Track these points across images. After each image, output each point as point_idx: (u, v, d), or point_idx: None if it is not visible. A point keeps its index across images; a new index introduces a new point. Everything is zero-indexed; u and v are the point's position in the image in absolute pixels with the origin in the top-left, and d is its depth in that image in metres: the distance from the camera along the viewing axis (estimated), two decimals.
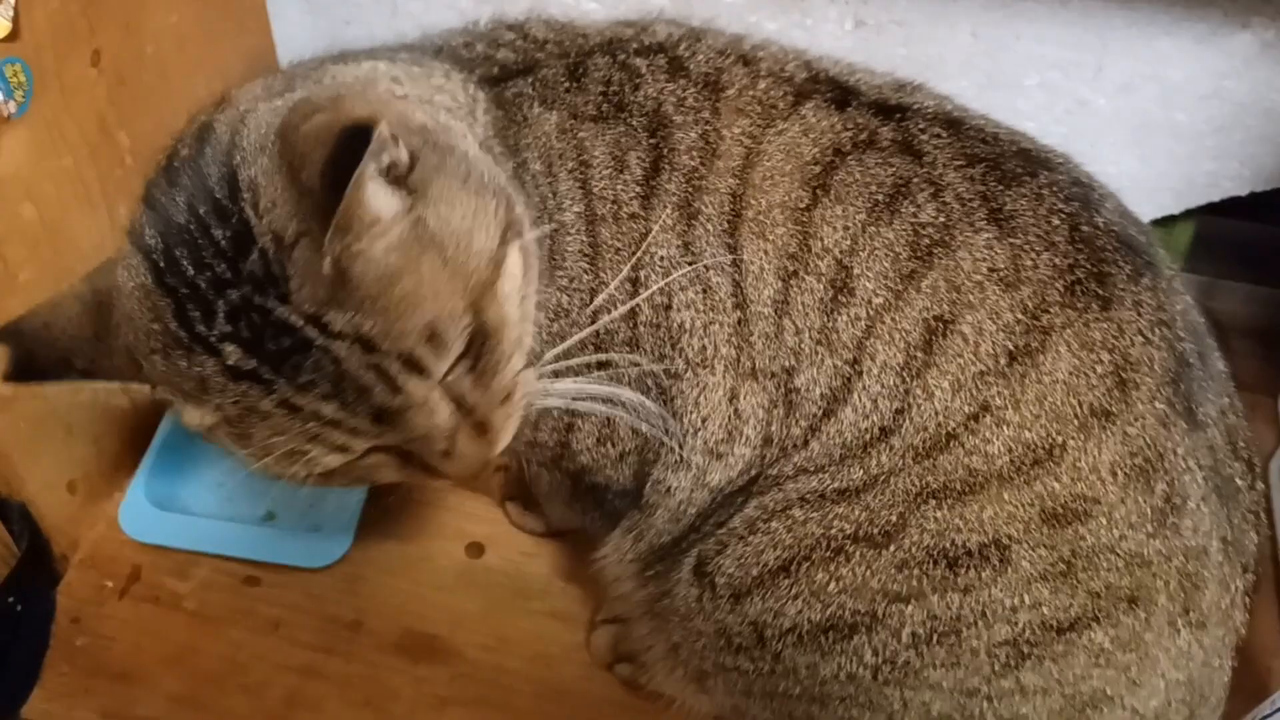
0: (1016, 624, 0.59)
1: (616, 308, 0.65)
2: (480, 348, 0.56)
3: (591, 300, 0.65)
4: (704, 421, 0.66)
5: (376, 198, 0.51)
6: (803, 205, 0.63)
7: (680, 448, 0.66)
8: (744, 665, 0.67)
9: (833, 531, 0.62)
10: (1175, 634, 0.61)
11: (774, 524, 0.64)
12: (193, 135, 0.58)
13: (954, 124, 0.65)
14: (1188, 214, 1.03)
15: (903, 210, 0.62)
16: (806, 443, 0.64)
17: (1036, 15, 0.92)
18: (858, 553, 0.61)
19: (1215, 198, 1.01)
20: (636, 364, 0.65)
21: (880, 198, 0.62)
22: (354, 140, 0.48)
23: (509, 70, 0.69)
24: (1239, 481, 0.64)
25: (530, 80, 0.67)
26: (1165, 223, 1.04)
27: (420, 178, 0.54)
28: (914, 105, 0.66)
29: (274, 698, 0.81)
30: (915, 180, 0.63)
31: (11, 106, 0.70)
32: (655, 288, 0.64)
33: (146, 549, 0.88)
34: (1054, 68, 0.95)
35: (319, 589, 0.87)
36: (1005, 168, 0.64)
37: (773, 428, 0.65)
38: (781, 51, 0.70)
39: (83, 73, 0.76)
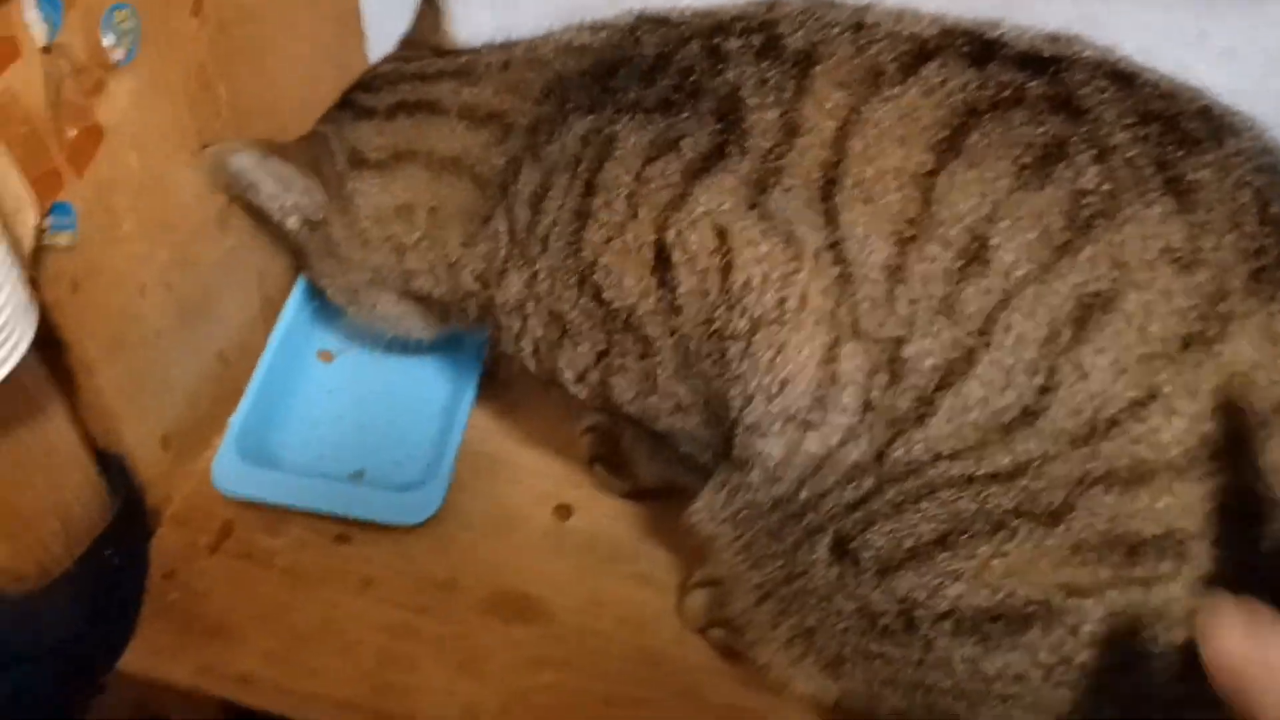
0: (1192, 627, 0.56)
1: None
2: None
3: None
4: (783, 385, 0.61)
5: None
6: (924, 170, 0.58)
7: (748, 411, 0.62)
8: (890, 652, 0.63)
9: (989, 506, 0.57)
10: None
11: (922, 504, 0.59)
12: None
13: (1123, 77, 0.59)
14: None
15: (1057, 175, 0.56)
16: (923, 419, 0.58)
17: None
18: (1023, 529, 0.56)
19: None
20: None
21: (1028, 160, 0.56)
22: None
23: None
24: None
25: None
26: None
27: None
28: (1072, 56, 0.61)
29: (367, 656, 0.81)
30: (1074, 140, 0.56)
31: (119, 53, 0.69)
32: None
33: (238, 506, 0.88)
34: (1154, 31, 0.92)
35: (410, 548, 0.87)
36: (1185, 129, 0.57)
37: (874, 394, 0.59)
38: (911, 13, 0.66)
39: (185, 22, 0.75)
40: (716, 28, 0.68)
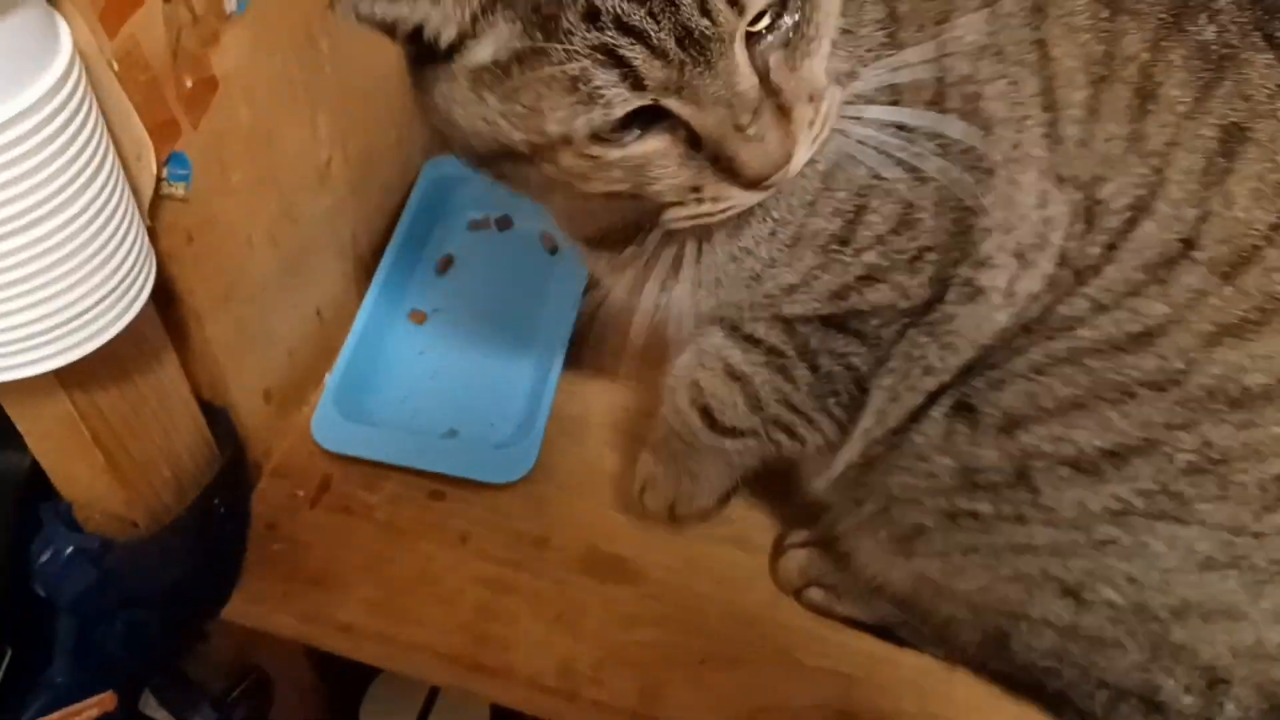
0: None
1: (921, 91, 0.61)
2: (795, 13, 0.52)
3: (890, 82, 0.60)
4: (1018, 221, 0.62)
5: None
6: (1103, 15, 0.61)
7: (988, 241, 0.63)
8: (983, 509, 0.65)
9: (1123, 376, 0.61)
10: None
11: (1065, 368, 0.62)
12: None
13: None
14: None
15: (1188, 28, 0.60)
16: (1102, 269, 0.61)
17: None
18: (1144, 393, 0.60)
19: None
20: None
21: (1164, 16, 0.61)
22: None
23: None
24: None
25: None
26: None
27: None
28: None
29: (467, 608, 0.82)
30: (1192, 3, 0.61)
31: (232, 4, 0.70)
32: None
33: (336, 460, 0.89)
34: None
35: (504, 505, 0.87)
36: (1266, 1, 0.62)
37: (1070, 244, 0.61)
38: None
39: None
40: None
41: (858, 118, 0.58)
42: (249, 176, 0.76)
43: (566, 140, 0.51)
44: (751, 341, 0.70)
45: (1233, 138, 0.59)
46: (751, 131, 0.51)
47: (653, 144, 0.52)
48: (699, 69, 0.49)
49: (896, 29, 0.61)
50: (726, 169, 0.53)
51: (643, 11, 0.47)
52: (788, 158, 0.53)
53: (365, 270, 0.98)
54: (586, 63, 0.48)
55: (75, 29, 0.56)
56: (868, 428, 0.70)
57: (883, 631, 0.81)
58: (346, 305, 0.96)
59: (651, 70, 0.48)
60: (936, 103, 0.61)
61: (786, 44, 0.52)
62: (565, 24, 0.48)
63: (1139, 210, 0.60)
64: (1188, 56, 0.60)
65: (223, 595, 0.82)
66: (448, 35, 0.51)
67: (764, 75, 0.51)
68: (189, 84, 0.67)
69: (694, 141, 0.52)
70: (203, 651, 0.87)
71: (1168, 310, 0.60)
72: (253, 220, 0.78)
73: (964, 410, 0.65)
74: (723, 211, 0.56)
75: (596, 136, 0.51)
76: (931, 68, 0.60)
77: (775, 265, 0.65)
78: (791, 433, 0.74)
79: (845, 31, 0.59)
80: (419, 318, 1.00)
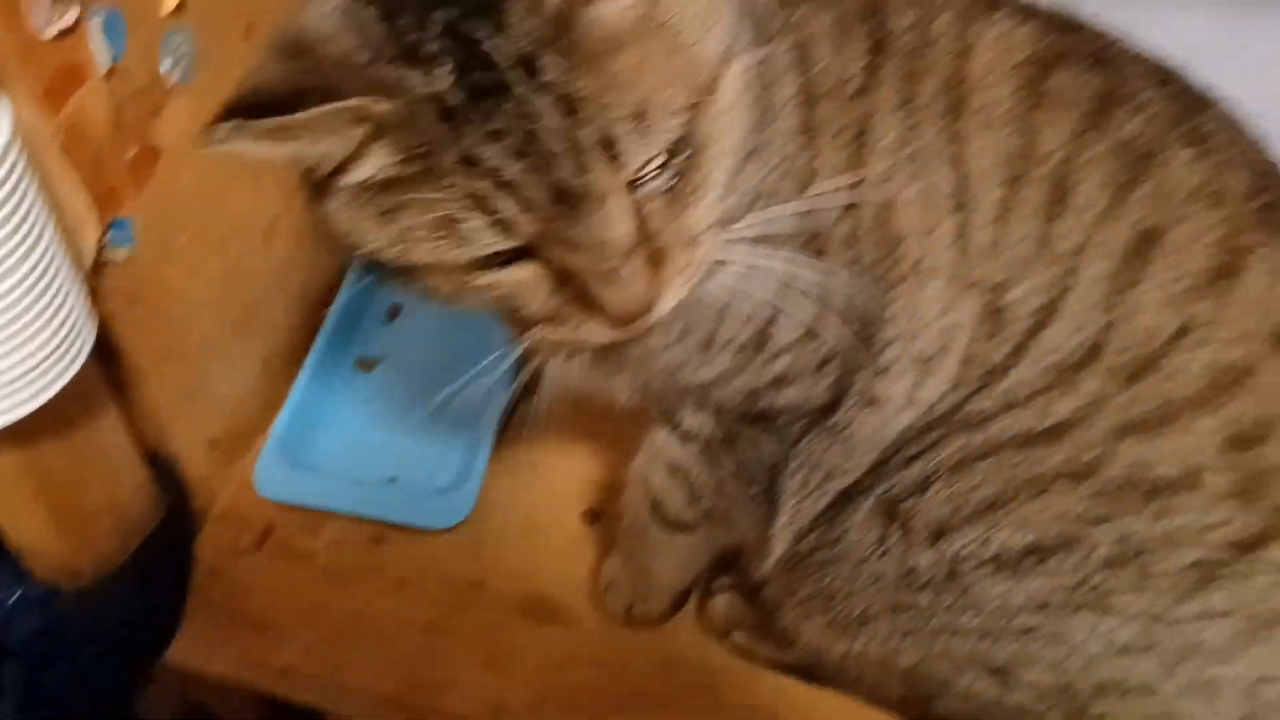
0: (1205, 544, 0.60)
1: (835, 197, 0.62)
2: (683, 163, 0.52)
3: (808, 184, 0.62)
4: (919, 331, 0.64)
5: None
6: (1023, 108, 0.62)
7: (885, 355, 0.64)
8: (922, 601, 0.67)
9: (1039, 470, 0.62)
10: None
11: (981, 464, 0.64)
12: None
13: (1132, 47, 0.66)
14: None
15: (1109, 124, 0.61)
16: (1009, 370, 0.63)
17: None
18: (1059, 485, 0.62)
19: None
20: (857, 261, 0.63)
21: (1088, 108, 0.62)
22: None
23: None
24: None
25: None
26: None
27: None
28: (1088, 26, 0.66)
29: (404, 651, 0.84)
30: (1116, 94, 0.62)
31: (177, 76, 0.73)
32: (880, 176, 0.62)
33: (279, 506, 0.92)
34: (1192, 42, 0.93)
35: (443, 550, 0.90)
36: (1192, 91, 0.64)
37: (976, 347, 0.63)
38: None
39: (236, 46, 0.79)
40: None
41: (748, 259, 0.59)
42: (194, 239, 0.79)
43: (437, 264, 0.52)
44: (686, 436, 0.74)
45: (1145, 241, 0.60)
46: (618, 277, 0.52)
47: (521, 274, 0.53)
48: (570, 220, 0.49)
49: (812, 136, 0.62)
50: (591, 307, 0.53)
51: (518, 167, 0.48)
52: (653, 303, 0.53)
53: (315, 319, 1.01)
54: (458, 206, 0.49)
55: (18, 107, 0.60)
56: (787, 523, 0.72)
57: (806, 672, 0.84)
58: (296, 354, 0.98)
59: (522, 221, 0.49)
60: (849, 221, 0.62)
61: (670, 191, 0.52)
62: (442, 166, 0.49)
63: (1046, 314, 0.61)
64: (1107, 154, 0.61)
65: (166, 640, 0.84)
66: (329, 167, 0.51)
67: (641, 222, 0.52)
68: (132, 154, 0.71)
69: (563, 275, 0.53)
70: (153, 692, 0.89)
71: (1074, 408, 0.61)
72: (197, 281, 0.81)
73: (893, 517, 0.67)
74: (591, 342, 0.56)
75: (464, 265, 0.52)
76: (843, 194, 0.61)
77: (688, 366, 0.66)
78: (728, 525, 0.77)
79: (753, 153, 0.59)
80: (367, 365, 1.03)
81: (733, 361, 0.66)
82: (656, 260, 0.53)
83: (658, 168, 0.51)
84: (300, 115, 0.47)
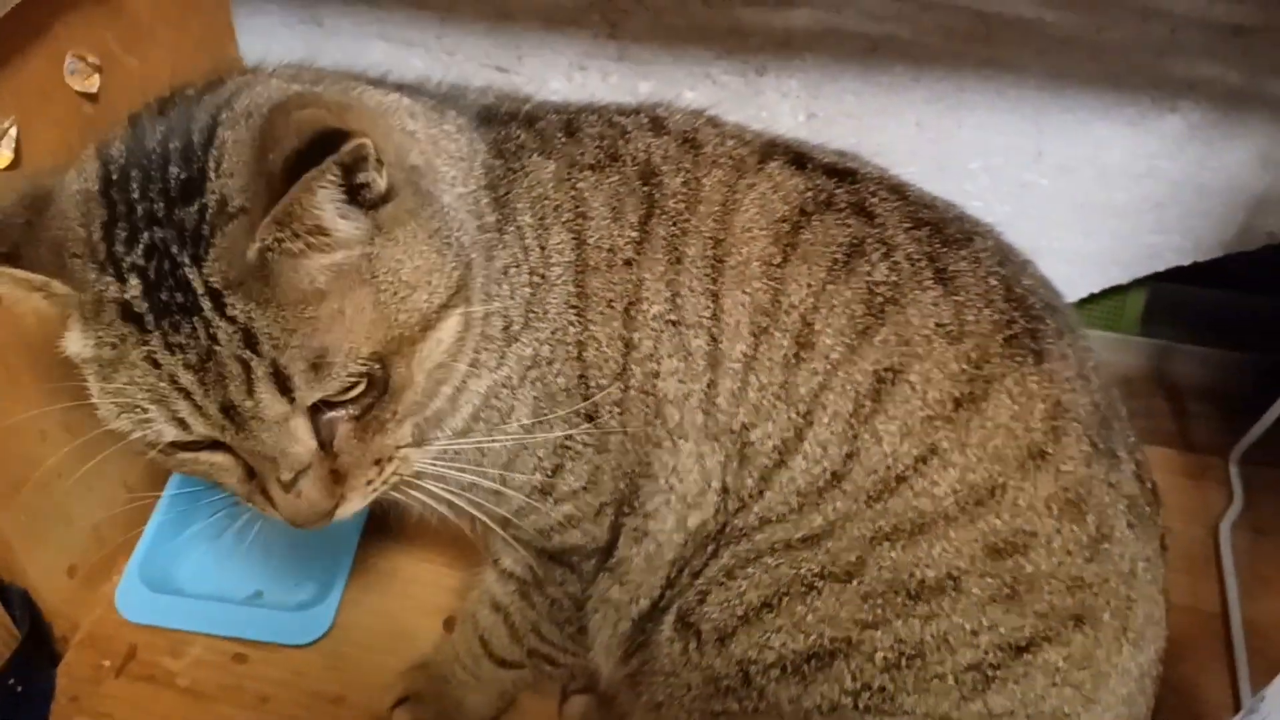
0: (978, 646, 0.64)
1: (607, 365, 0.67)
2: (375, 398, 0.56)
3: (579, 354, 0.67)
4: (680, 480, 0.69)
5: (327, 209, 0.53)
6: (775, 261, 0.66)
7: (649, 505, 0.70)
8: (732, 708, 0.70)
9: (802, 571, 0.66)
10: (1119, 650, 0.66)
11: (750, 569, 0.68)
12: (204, 81, 0.60)
13: (898, 189, 0.70)
14: (1138, 282, 1.08)
15: (859, 269, 0.66)
16: (762, 493, 0.67)
17: (976, 105, 0.97)
18: (826, 587, 0.65)
19: (1160, 268, 1.05)
20: (622, 430, 0.68)
21: (839, 256, 0.66)
22: (331, 144, 0.49)
23: (512, 118, 0.71)
24: (1148, 508, 0.69)
25: (531, 131, 0.70)
26: (1117, 291, 1.09)
27: (390, 214, 0.56)
28: (860, 170, 0.71)
29: None
30: (869, 240, 0.67)
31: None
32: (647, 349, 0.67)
33: (142, 629, 0.93)
34: (996, 153, 1.00)
35: (303, 665, 0.92)
36: (947, 232, 0.69)
37: (728, 479, 0.68)
38: (737, 124, 0.75)
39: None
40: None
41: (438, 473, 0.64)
42: (40, 372, 0.81)
43: (142, 439, 0.57)
44: (505, 575, 0.78)
45: (884, 381, 0.64)
46: (293, 488, 0.57)
47: (215, 458, 0.58)
48: (242, 433, 0.55)
49: (582, 311, 0.67)
50: (271, 503, 0.59)
51: (191, 377, 0.54)
52: (330, 512, 0.59)
53: None
54: (145, 398, 0.55)
55: None
56: (602, 652, 0.77)
57: None
58: (158, 474, 1.00)
59: (195, 423, 0.55)
60: (618, 388, 0.67)
61: (360, 418, 0.57)
62: (130, 358, 0.54)
63: (786, 451, 0.66)
64: (851, 301, 0.65)
65: None
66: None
67: (327, 442, 0.57)
68: None
69: (250, 469, 0.58)
70: None
71: (825, 521, 0.65)
72: (45, 415, 0.83)
73: (688, 628, 0.71)
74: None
75: (165, 444, 0.57)
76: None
77: (485, 506, 0.70)
78: (551, 660, 0.81)
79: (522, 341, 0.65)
80: None
81: (523, 503, 0.70)
82: (339, 476, 0.58)
83: (350, 399, 0.56)
84: None
